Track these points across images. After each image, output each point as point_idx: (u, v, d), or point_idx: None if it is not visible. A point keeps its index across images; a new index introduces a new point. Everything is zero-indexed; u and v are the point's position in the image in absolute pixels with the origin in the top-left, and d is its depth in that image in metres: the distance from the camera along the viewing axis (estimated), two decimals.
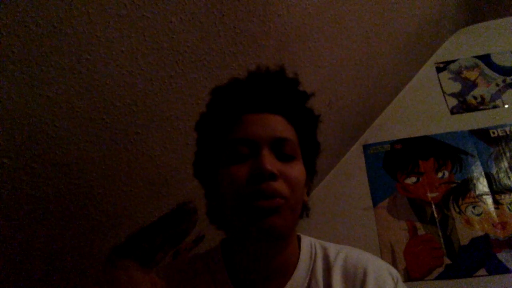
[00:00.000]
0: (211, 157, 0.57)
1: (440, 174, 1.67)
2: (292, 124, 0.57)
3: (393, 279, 0.57)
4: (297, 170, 0.54)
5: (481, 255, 1.46)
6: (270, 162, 0.50)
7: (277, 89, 0.57)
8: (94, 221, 0.83)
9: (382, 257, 1.55)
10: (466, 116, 1.78)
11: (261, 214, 0.49)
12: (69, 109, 0.68)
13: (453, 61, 1.95)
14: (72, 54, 0.63)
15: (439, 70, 1.95)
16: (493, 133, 1.69)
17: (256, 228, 0.49)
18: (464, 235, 1.52)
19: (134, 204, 0.90)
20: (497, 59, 1.88)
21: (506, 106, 1.76)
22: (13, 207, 0.69)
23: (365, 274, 0.56)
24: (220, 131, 0.56)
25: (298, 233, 0.62)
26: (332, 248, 0.61)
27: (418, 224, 1.58)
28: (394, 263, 1.52)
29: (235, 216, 0.52)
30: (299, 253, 0.59)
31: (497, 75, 1.85)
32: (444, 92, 1.88)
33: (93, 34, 0.64)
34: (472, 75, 1.89)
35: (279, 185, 0.50)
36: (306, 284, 0.56)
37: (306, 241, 0.62)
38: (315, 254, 0.60)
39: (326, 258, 0.59)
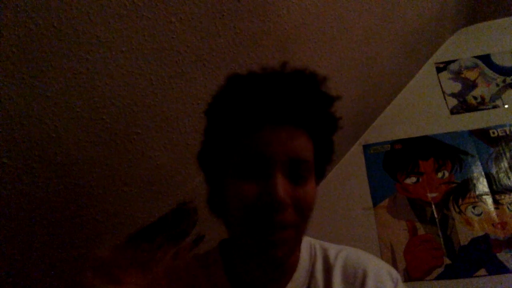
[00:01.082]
0: (220, 155, 0.53)
1: (440, 174, 1.67)
2: (311, 136, 0.52)
3: (392, 280, 0.56)
4: (310, 193, 0.50)
5: (481, 255, 1.46)
6: (283, 189, 0.45)
7: (303, 101, 0.50)
8: (94, 221, 0.83)
9: (382, 257, 1.55)
10: (466, 116, 1.78)
11: (267, 246, 0.46)
12: (69, 109, 0.68)
13: (453, 61, 1.95)
14: (72, 54, 0.63)
15: (439, 70, 1.95)
16: (493, 133, 1.69)
17: (260, 259, 0.48)
18: (464, 235, 1.52)
19: (134, 204, 0.90)
20: (497, 59, 1.89)
21: (506, 106, 1.76)
22: (13, 207, 0.69)
23: (364, 275, 0.56)
24: (235, 135, 0.51)
25: None
26: (332, 248, 0.61)
27: (418, 224, 1.59)
28: (394, 263, 1.52)
29: (240, 239, 0.51)
30: (299, 254, 0.59)
31: (497, 75, 1.85)
32: (444, 92, 1.88)
33: (93, 34, 0.64)
34: (472, 75, 1.89)
35: (290, 215, 0.47)
36: (305, 286, 0.56)
37: (306, 242, 0.61)
38: (315, 255, 0.59)
39: (326, 259, 0.59)
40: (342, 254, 0.59)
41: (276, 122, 0.49)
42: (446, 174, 1.66)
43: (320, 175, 0.58)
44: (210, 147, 0.56)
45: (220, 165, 0.53)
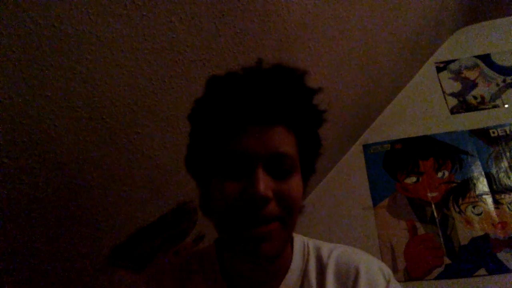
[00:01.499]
0: (204, 158, 0.54)
1: (440, 174, 1.67)
2: (292, 130, 0.52)
3: (385, 277, 0.56)
4: (294, 186, 0.50)
5: (481, 255, 1.46)
6: (264, 184, 0.46)
7: (279, 98, 0.51)
8: (94, 221, 0.83)
9: (382, 257, 1.55)
10: (466, 116, 1.78)
11: (251, 241, 0.47)
12: (69, 109, 0.68)
13: (453, 61, 1.95)
14: (72, 54, 0.63)
15: (439, 70, 1.95)
16: (493, 133, 1.69)
17: (246, 254, 0.48)
18: (464, 235, 1.52)
19: (134, 204, 0.90)
20: (497, 59, 1.89)
21: (506, 106, 1.76)
22: (13, 207, 0.69)
23: (357, 273, 0.56)
24: (215, 137, 0.52)
25: None
26: (325, 247, 0.61)
27: (418, 224, 1.59)
28: (394, 263, 1.53)
29: (226, 237, 0.51)
30: (291, 254, 0.59)
31: (497, 75, 1.85)
32: (444, 92, 1.88)
33: (93, 34, 0.64)
34: (472, 75, 1.89)
35: (273, 208, 0.47)
36: (298, 285, 0.56)
37: (299, 241, 0.61)
38: (308, 254, 0.59)
39: (319, 258, 0.59)
40: (334, 253, 0.59)
41: (255, 120, 0.49)
42: (446, 173, 1.66)
43: (309, 171, 0.58)
44: (195, 150, 0.57)
45: (205, 168, 0.54)
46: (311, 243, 0.62)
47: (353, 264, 0.57)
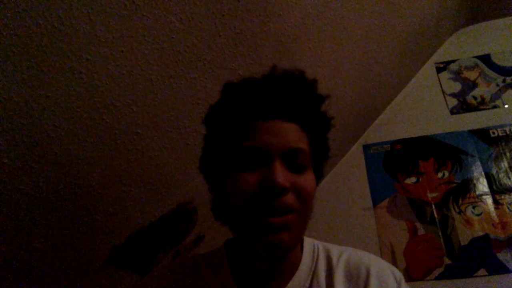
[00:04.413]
0: (219, 157, 0.55)
1: (440, 174, 1.67)
2: (305, 131, 0.55)
3: (396, 279, 0.57)
4: (309, 181, 0.52)
5: (481, 255, 1.46)
6: (282, 175, 0.48)
7: (293, 96, 0.54)
8: (94, 221, 0.83)
9: (382, 257, 1.55)
10: (466, 116, 1.78)
11: (270, 230, 0.47)
12: (69, 109, 0.68)
13: (453, 61, 1.95)
14: (72, 54, 0.63)
15: (439, 70, 1.95)
16: (493, 133, 1.69)
17: (264, 243, 0.48)
18: (464, 235, 1.52)
19: (134, 204, 0.90)
20: (497, 59, 1.89)
21: (506, 106, 1.76)
22: (13, 207, 0.69)
23: (368, 274, 0.56)
24: (231, 135, 0.54)
25: None
26: (335, 249, 0.61)
27: (418, 224, 1.59)
28: (394, 263, 1.52)
29: (242, 228, 0.51)
30: (301, 253, 0.59)
31: (497, 75, 1.85)
32: (444, 92, 1.88)
33: (93, 34, 0.64)
34: (472, 75, 1.89)
35: (290, 199, 0.48)
36: (307, 284, 0.56)
37: (309, 242, 0.62)
38: (318, 255, 0.60)
39: (328, 259, 0.59)
40: (345, 255, 0.60)
41: (270, 117, 0.52)
42: (446, 174, 1.66)
43: (318, 174, 0.59)
44: (210, 151, 0.58)
45: (222, 165, 0.55)
46: (321, 245, 0.63)
47: (364, 266, 0.57)
